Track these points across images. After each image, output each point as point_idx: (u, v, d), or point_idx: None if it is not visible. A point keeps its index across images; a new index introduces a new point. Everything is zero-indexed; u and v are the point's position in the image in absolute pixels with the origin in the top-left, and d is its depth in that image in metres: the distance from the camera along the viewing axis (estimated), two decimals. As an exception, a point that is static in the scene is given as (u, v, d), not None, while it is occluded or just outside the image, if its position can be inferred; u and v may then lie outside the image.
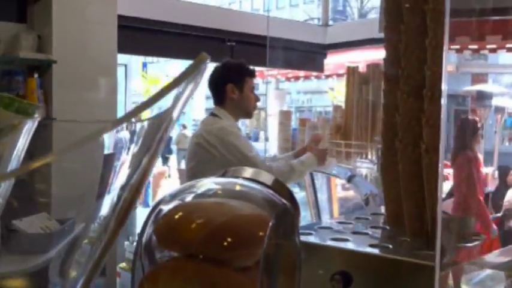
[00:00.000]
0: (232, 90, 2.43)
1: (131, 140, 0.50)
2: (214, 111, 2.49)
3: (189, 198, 0.72)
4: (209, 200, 0.72)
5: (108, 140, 0.45)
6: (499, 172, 3.19)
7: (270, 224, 0.68)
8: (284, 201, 0.74)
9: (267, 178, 0.82)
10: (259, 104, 2.62)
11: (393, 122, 1.04)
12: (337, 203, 4.85)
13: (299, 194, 5.81)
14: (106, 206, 0.52)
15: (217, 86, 2.47)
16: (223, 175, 0.85)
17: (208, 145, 2.33)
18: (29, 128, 0.69)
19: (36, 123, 0.71)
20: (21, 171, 0.38)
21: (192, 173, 2.42)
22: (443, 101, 0.78)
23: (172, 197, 0.72)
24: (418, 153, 0.97)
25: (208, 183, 0.75)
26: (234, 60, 2.67)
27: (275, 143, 4.62)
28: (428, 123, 0.91)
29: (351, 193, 4.78)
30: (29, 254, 0.54)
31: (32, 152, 0.65)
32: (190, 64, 0.46)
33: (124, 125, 0.44)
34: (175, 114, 0.49)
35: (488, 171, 3.02)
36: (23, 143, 0.67)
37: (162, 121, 0.49)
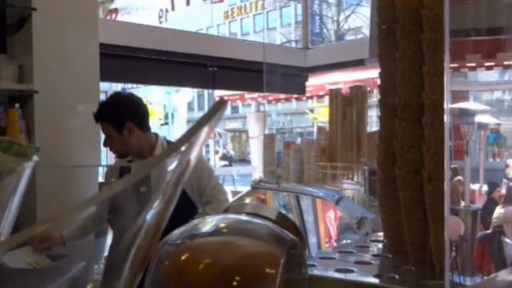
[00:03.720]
0: None
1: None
2: None
3: (195, 237, 0.70)
4: (216, 239, 0.70)
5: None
6: (488, 188, 3.22)
7: (282, 261, 0.66)
8: (291, 235, 0.73)
9: (270, 212, 0.80)
10: (240, 126, 2.68)
11: (391, 150, 1.04)
12: (324, 224, 4.82)
13: (284, 217, 5.78)
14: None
15: None
16: (226, 211, 0.83)
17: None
18: (29, 171, 0.66)
19: (34, 165, 0.68)
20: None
21: None
22: (447, 130, 0.77)
23: (178, 235, 0.70)
24: (419, 180, 0.96)
25: (214, 221, 0.73)
26: None
27: (260, 167, 4.59)
28: (429, 151, 0.91)
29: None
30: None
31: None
32: (209, 108, 0.45)
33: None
34: (192, 157, 0.48)
35: (475, 187, 3.04)
36: (23, 185, 0.65)
37: (177, 165, 0.47)
